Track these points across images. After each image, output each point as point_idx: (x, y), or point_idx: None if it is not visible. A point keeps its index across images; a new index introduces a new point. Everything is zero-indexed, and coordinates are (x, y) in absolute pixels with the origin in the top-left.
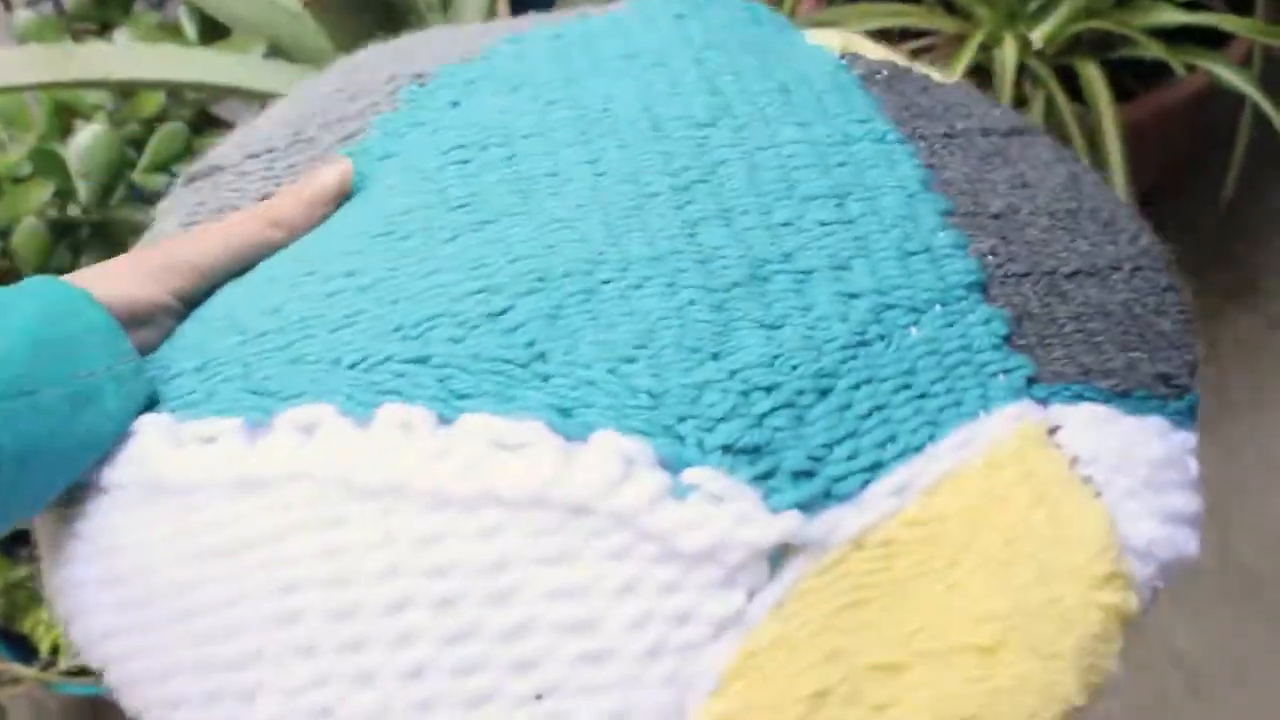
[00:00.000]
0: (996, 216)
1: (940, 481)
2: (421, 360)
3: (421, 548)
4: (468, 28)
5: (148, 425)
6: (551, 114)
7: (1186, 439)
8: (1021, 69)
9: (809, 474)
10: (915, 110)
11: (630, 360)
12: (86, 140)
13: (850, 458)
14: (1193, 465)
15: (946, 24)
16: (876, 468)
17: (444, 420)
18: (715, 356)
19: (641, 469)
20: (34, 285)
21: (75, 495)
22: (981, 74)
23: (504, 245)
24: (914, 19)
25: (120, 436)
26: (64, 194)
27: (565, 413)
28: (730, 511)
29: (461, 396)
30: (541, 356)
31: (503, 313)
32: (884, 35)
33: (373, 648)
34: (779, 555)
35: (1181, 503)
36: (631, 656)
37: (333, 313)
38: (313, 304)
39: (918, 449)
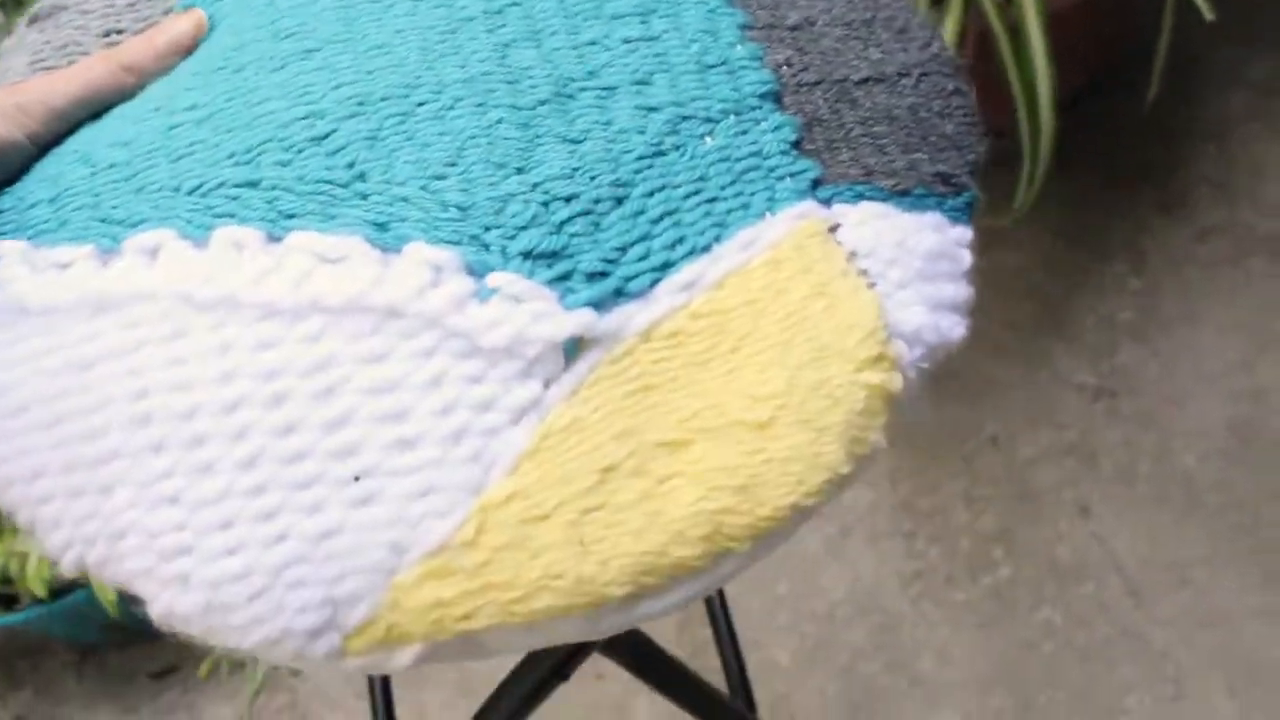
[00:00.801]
0: (794, 28)
1: (725, 278)
2: (252, 184)
3: (254, 353)
4: None
5: (7, 252)
6: None
7: (962, 233)
8: None
9: (602, 275)
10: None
11: (441, 177)
12: None
13: (641, 259)
14: (966, 257)
15: None
16: (666, 267)
17: (273, 238)
18: (520, 170)
19: (449, 275)
20: None
21: None
22: None
23: (329, 72)
24: None
25: None
26: None
27: (381, 227)
28: (528, 310)
29: (289, 216)
30: (361, 176)
31: (326, 136)
32: None
33: (213, 442)
34: (574, 348)
35: (951, 291)
36: (437, 441)
37: (174, 144)
38: (156, 136)
39: (705, 249)
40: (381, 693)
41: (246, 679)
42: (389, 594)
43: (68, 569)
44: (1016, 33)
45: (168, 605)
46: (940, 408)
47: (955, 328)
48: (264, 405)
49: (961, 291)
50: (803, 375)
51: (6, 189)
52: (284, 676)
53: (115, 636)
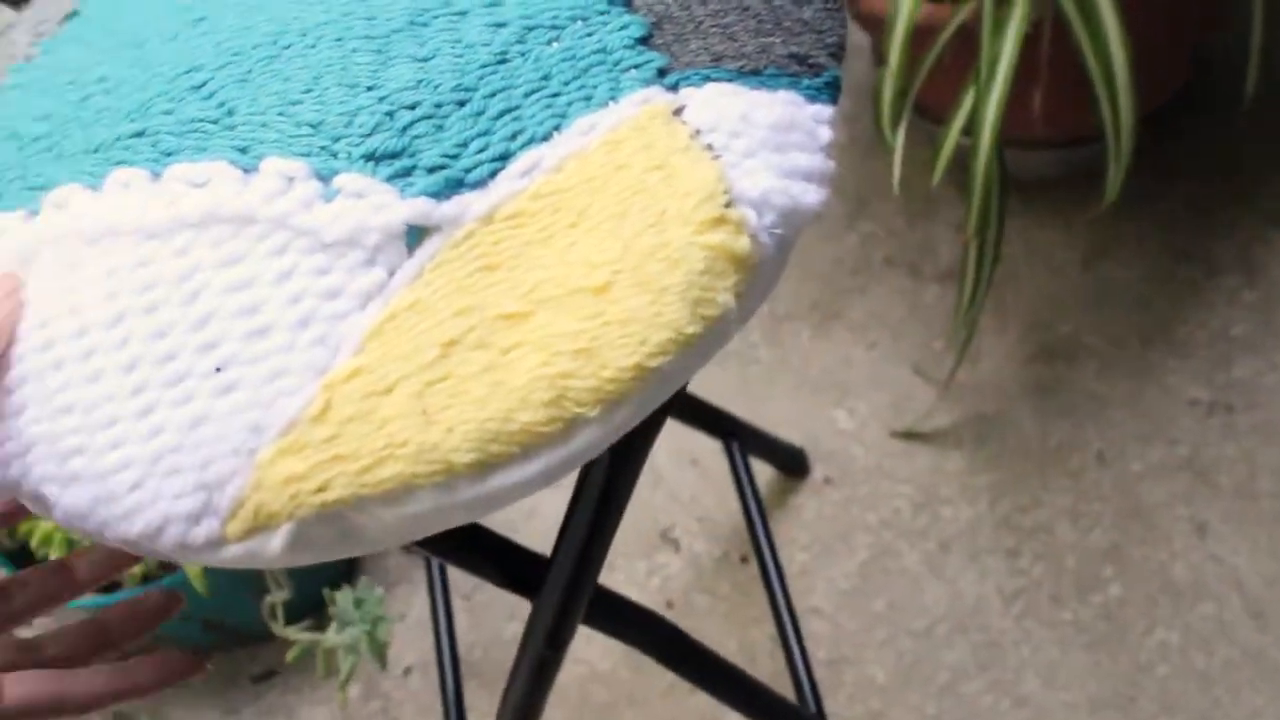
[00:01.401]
0: None
1: (564, 161)
2: (140, 134)
3: (133, 271)
4: None
5: None
6: None
7: (820, 111)
8: None
9: (442, 168)
10: None
11: (298, 102)
12: None
13: (479, 151)
14: (823, 132)
15: None
16: (505, 157)
17: (155, 175)
18: (370, 89)
19: (298, 182)
20: None
21: None
22: None
23: (213, 35)
24: None
25: None
26: None
27: (243, 150)
28: (368, 204)
29: (168, 154)
30: (231, 112)
31: (203, 85)
32: None
33: (99, 353)
34: (418, 239)
35: (804, 161)
36: (287, 328)
37: (85, 114)
38: (71, 108)
39: (545, 138)
40: (455, 702)
41: (339, 685)
42: (253, 474)
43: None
44: (1089, 17)
45: (65, 504)
46: (1043, 423)
47: (808, 193)
48: (142, 313)
49: (817, 162)
50: (640, 241)
51: None
52: (379, 681)
53: (217, 638)
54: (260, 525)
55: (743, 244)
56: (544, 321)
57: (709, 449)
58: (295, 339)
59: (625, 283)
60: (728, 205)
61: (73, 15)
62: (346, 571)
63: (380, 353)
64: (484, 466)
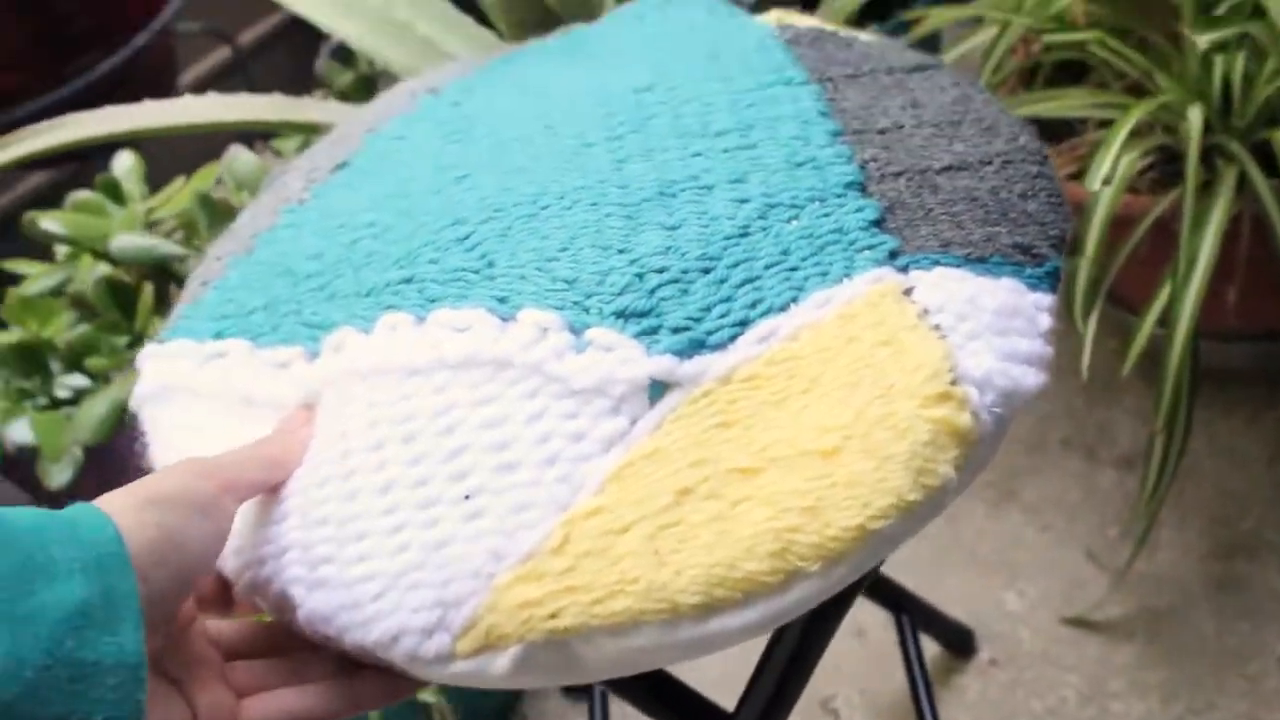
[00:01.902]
0: (882, 132)
1: (800, 330)
2: (408, 280)
3: (394, 404)
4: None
5: (232, 350)
6: (525, 97)
7: (1041, 299)
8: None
9: (686, 329)
10: (830, 60)
11: (554, 259)
12: None
13: (722, 316)
14: (1044, 319)
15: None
16: (744, 324)
17: (419, 320)
18: (621, 251)
19: (552, 333)
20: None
21: None
22: (1166, 153)
23: (476, 191)
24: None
25: (209, 355)
26: None
27: (503, 300)
28: (616, 357)
29: (433, 300)
30: (491, 264)
31: (466, 237)
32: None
33: (359, 475)
34: (660, 394)
35: (1024, 346)
36: (534, 465)
37: (355, 255)
38: (341, 250)
39: (782, 308)
40: None
41: None
42: (489, 596)
43: (242, 590)
44: None
45: (310, 606)
46: (1221, 622)
47: (1028, 376)
48: (400, 442)
49: (1037, 347)
50: (869, 410)
51: (217, 292)
52: None
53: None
54: (490, 645)
55: (965, 420)
56: (773, 479)
57: (875, 620)
58: (541, 476)
59: (853, 449)
60: (953, 383)
61: (343, 165)
62: (502, 711)
63: (618, 495)
64: (707, 609)
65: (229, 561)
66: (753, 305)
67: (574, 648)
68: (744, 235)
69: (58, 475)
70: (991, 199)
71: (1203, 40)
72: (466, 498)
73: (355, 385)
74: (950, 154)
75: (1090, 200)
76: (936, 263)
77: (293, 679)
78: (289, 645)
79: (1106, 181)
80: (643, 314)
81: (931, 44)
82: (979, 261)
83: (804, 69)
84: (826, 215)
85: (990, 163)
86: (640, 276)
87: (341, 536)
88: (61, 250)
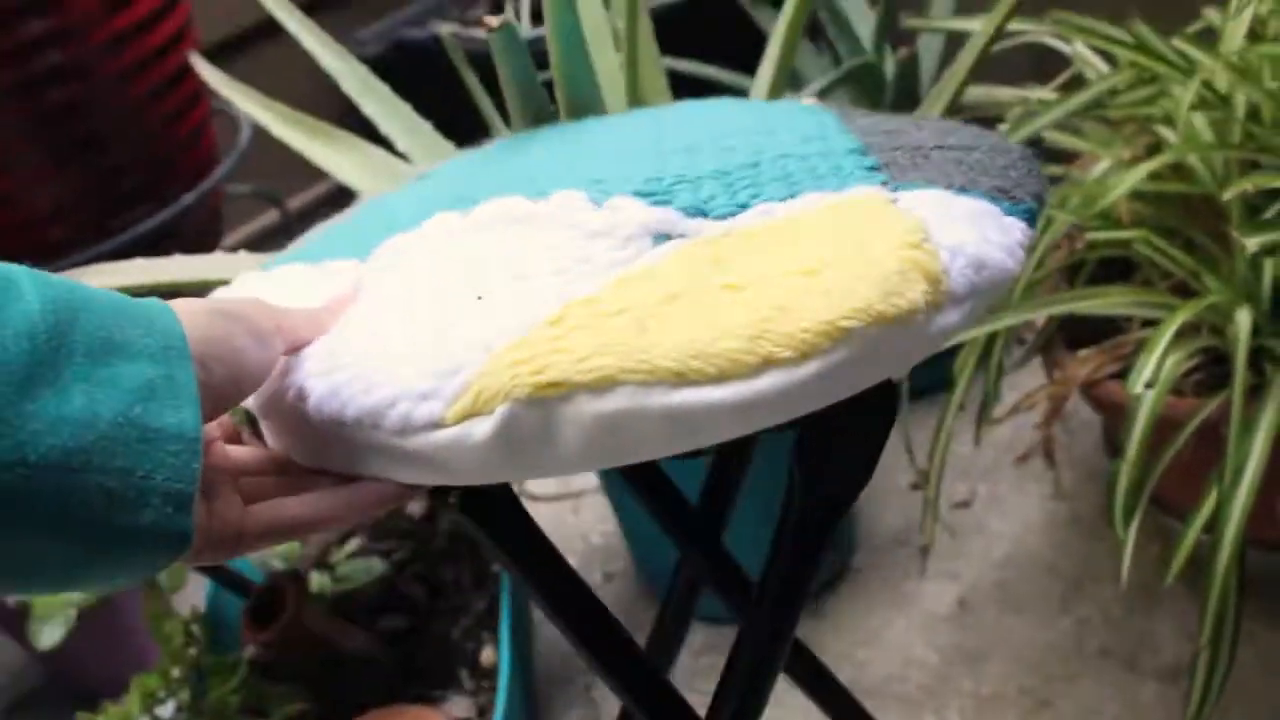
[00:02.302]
0: (897, 149)
1: (795, 209)
2: (460, 198)
3: (426, 259)
4: None
5: (295, 268)
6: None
7: (1015, 222)
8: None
9: (692, 206)
10: (873, 132)
11: (588, 172)
12: None
13: (726, 200)
14: (1016, 233)
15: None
16: (744, 206)
17: (464, 214)
18: (645, 171)
19: (576, 200)
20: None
21: None
22: (1212, 355)
23: (527, 160)
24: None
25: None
26: None
27: (540, 192)
28: (627, 212)
29: (476, 202)
30: (534, 180)
31: (517, 173)
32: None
33: (386, 304)
34: (663, 239)
35: (995, 235)
36: (543, 275)
37: (414, 201)
38: (406, 201)
39: (780, 200)
40: None
41: None
42: (486, 364)
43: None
44: None
45: (323, 389)
46: None
47: (997, 252)
48: (426, 275)
49: (1008, 239)
50: (848, 247)
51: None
52: None
53: None
54: (478, 409)
55: (935, 265)
56: (757, 292)
57: None
58: (547, 283)
59: (830, 270)
60: (925, 241)
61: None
62: None
63: (615, 293)
64: (681, 377)
65: (253, 400)
66: (754, 196)
67: (554, 411)
68: (753, 166)
69: None
70: (977, 164)
71: (1252, 243)
72: (479, 298)
73: (399, 259)
74: (945, 141)
75: (1132, 404)
76: (922, 189)
77: (294, 492)
78: (292, 468)
79: (1150, 385)
80: (656, 194)
81: None
82: (961, 190)
83: (852, 137)
84: (828, 158)
85: (979, 147)
86: (659, 178)
87: (361, 333)
88: None
